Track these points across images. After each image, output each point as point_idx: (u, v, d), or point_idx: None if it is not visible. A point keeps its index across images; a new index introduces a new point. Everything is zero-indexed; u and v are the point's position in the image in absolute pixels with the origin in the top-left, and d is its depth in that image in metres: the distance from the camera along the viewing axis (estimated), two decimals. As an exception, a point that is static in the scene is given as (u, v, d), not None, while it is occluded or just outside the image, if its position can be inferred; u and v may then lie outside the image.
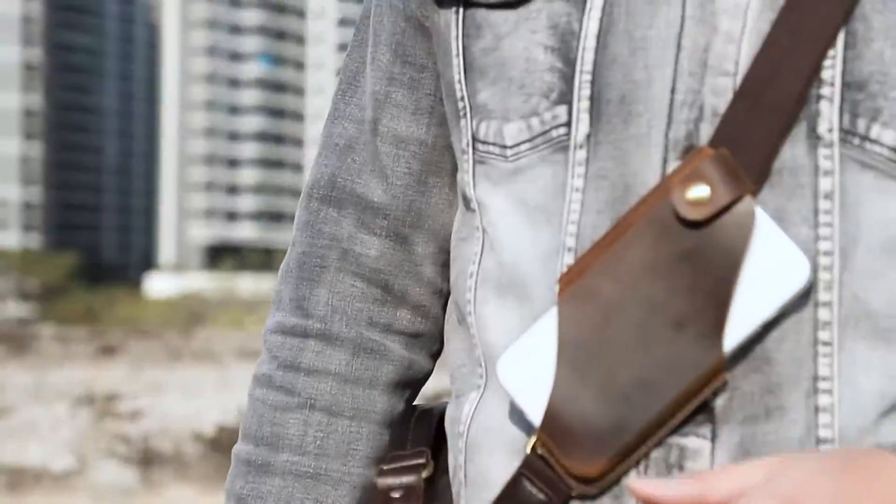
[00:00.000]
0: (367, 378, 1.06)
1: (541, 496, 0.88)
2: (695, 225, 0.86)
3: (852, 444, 0.86)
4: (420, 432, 1.05)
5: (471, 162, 0.97)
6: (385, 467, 1.03)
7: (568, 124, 0.91)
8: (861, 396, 0.87)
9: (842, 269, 0.88)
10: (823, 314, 0.87)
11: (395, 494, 0.99)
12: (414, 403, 1.11)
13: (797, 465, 0.80)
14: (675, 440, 0.86)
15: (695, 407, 0.85)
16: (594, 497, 0.87)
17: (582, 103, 0.91)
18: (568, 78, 0.92)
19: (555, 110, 0.92)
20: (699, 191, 0.86)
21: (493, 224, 0.96)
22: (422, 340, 1.08)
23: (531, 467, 0.89)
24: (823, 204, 0.87)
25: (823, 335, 0.87)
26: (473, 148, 0.97)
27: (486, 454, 0.94)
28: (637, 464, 0.87)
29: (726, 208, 0.86)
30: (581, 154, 0.91)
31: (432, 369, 1.09)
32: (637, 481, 0.81)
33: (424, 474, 1.00)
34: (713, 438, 0.86)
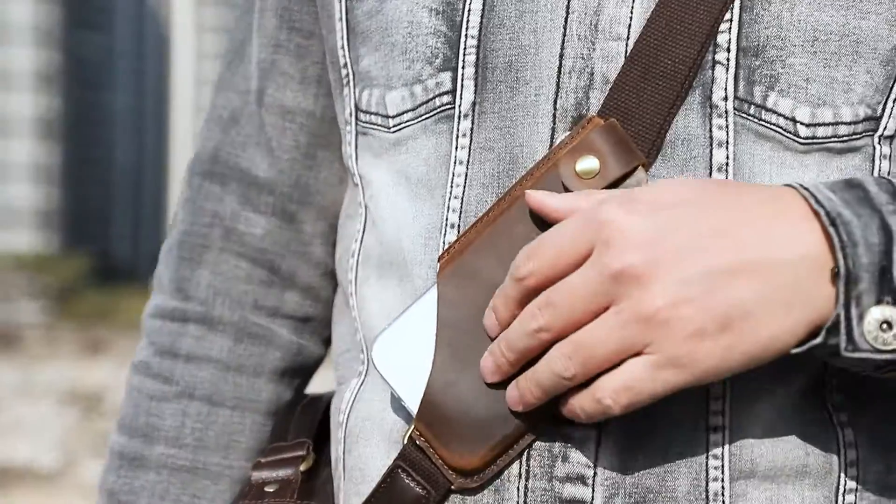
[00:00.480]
0: (252, 365, 1.00)
1: (418, 489, 0.82)
2: (581, 179, 0.80)
3: (742, 432, 0.81)
4: (303, 422, 0.98)
5: (353, 133, 0.91)
6: (262, 460, 0.96)
7: (452, 92, 0.85)
8: (753, 387, 0.81)
9: None
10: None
11: (269, 489, 0.92)
12: (305, 393, 1.04)
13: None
14: (560, 428, 0.80)
15: None
16: (475, 491, 0.81)
17: (467, 70, 0.85)
18: (453, 42, 0.85)
19: (439, 77, 0.86)
20: (588, 163, 0.80)
21: (374, 199, 0.90)
22: (312, 325, 1.02)
23: (408, 459, 0.83)
24: (717, 177, 0.81)
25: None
26: (356, 118, 0.91)
27: (364, 445, 0.88)
28: (521, 454, 0.81)
29: (617, 182, 0.80)
30: (465, 124, 0.84)
31: (324, 355, 1.03)
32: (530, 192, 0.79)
33: (302, 467, 0.93)
34: (599, 427, 0.80)
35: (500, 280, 0.80)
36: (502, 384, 0.80)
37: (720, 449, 0.80)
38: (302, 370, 1.03)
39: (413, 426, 0.82)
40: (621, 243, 0.73)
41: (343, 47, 0.91)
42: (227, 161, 1.00)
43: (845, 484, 0.82)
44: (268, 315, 1.00)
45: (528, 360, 0.77)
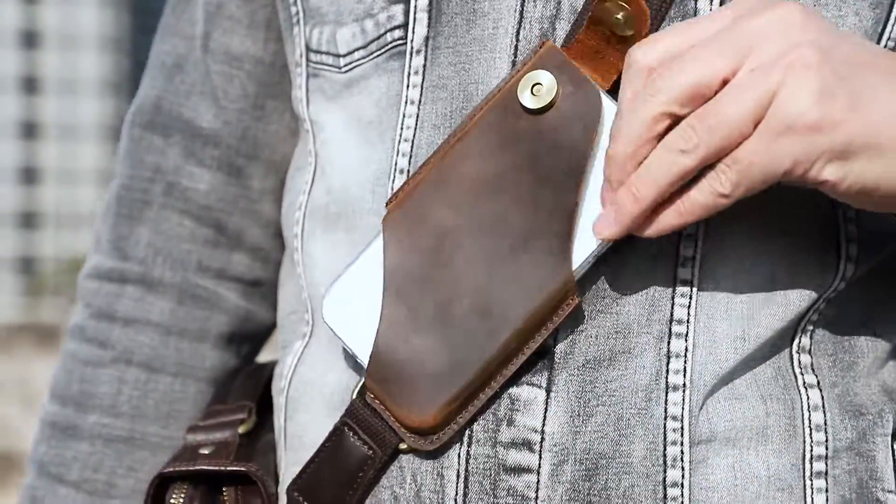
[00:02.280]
0: (195, 330, 0.93)
1: (364, 448, 0.75)
2: (536, 115, 0.73)
3: (705, 390, 0.74)
4: (247, 387, 0.91)
5: (304, 76, 0.84)
6: (199, 423, 0.89)
7: (404, 26, 0.78)
8: (719, 342, 0.74)
9: None
10: (685, 249, 0.74)
11: (204, 451, 0.84)
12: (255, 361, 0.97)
13: None
14: (506, 390, 0.73)
15: (543, 337, 0.73)
16: (431, 454, 0.74)
17: (420, 1, 0.78)
18: None
19: (390, 10, 0.79)
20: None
21: (325, 145, 0.83)
22: (262, 289, 0.95)
23: (356, 416, 0.75)
24: None
25: (683, 273, 0.74)
26: (307, 59, 0.84)
27: (304, 412, 0.81)
28: (482, 412, 0.74)
29: (572, 98, 0.72)
30: (418, 61, 0.78)
31: (276, 322, 0.95)
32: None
33: (241, 429, 0.85)
34: (549, 387, 0.73)
35: (450, 222, 0.73)
36: (459, 335, 0.73)
37: (679, 409, 0.73)
38: (251, 337, 0.95)
39: (363, 382, 0.75)
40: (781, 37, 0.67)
41: None
42: (169, 111, 0.93)
43: (812, 450, 0.75)
44: (213, 277, 0.93)
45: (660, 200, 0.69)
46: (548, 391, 0.73)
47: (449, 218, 0.74)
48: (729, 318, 0.74)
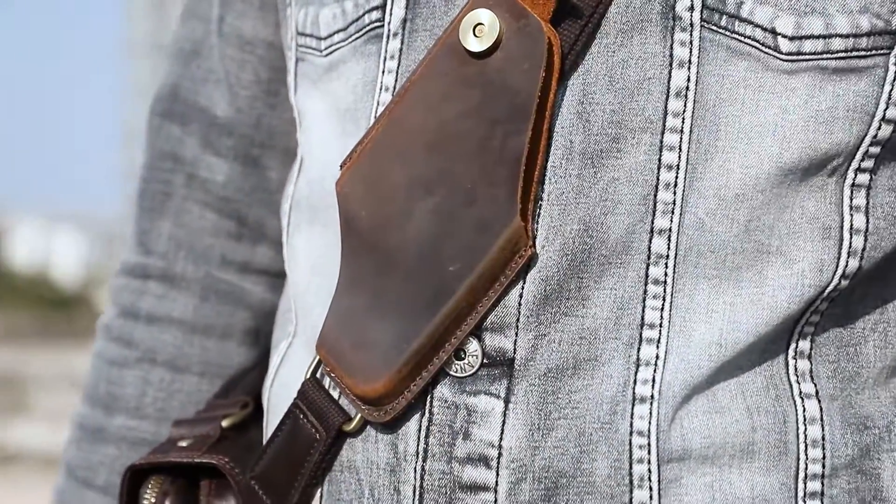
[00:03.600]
0: (220, 326, 0.89)
1: (311, 430, 0.71)
2: (482, 59, 0.67)
3: (675, 401, 0.66)
4: (256, 381, 0.86)
5: (293, 60, 0.79)
6: (188, 417, 0.85)
7: (382, 7, 0.72)
8: (694, 348, 0.66)
9: (687, 189, 0.66)
10: (658, 244, 0.66)
11: (182, 444, 0.80)
12: None
13: None
14: (463, 399, 0.68)
15: (497, 294, 0.67)
16: (387, 468, 0.69)
17: None
18: None
19: None
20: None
21: (306, 133, 0.78)
22: None
23: (305, 397, 0.72)
24: (674, 104, 0.66)
25: (655, 272, 0.66)
26: (296, 43, 0.79)
27: (277, 416, 0.76)
28: (424, 410, 0.68)
29: (516, 36, 0.66)
30: (394, 44, 0.72)
31: None
32: None
33: (225, 423, 0.81)
34: (507, 397, 0.67)
35: (400, 179, 0.68)
36: (409, 296, 0.68)
37: (646, 423, 0.66)
38: None
39: (315, 361, 0.72)
40: None
41: None
42: (186, 98, 0.89)
43: (807, 468, 0.67)
44: (237, 271, 0.89)
45: None
46: (506, 402, 0.67)
47: (398, 174, 0.69)
48: (709, 322, 0.66)
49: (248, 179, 0.88)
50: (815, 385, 0.68)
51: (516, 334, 0.67)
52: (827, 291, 0.67)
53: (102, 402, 0.89)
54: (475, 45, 0.67)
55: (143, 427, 0.88)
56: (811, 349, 0.68)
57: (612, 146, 0.66)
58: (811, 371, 0.68)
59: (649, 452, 0.66)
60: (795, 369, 0.68)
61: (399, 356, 0.68)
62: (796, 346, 0.68)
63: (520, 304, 0.67)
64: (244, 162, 0.88)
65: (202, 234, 0.88)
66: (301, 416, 0.72)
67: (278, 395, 0.77)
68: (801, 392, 0.68)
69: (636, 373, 0.66)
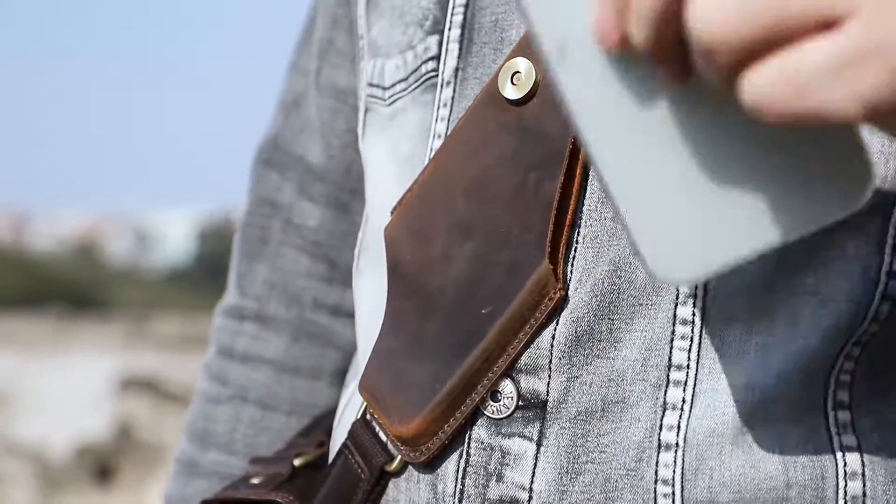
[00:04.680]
0: (310, 367, 0.92)
1: (357, 470, 0.73)
2: (519, 106, 0.69)
3: (701, 450, 0.65)
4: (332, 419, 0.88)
5: (363, 110, 0.82)
6: (265, 455, 0.88)
7: (437, 58, 0.75)
8: (723, 393, 0.65)
9: None
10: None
11: (254, 480, 0.83)
12: None
13: None
14: (498, 441, 0.68)
15: (527, 336, 0.67)
16: (422, 468, 0.70)
17: (452, 31, 0.75)
18: (443, 2, 0.75)
19: (427, 41, 0.76)
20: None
21: (370, 180, 0.80)
22: None
23: (353, 437, 0.74)
24: None
25: (683, 311, 0.66)
26: (366, 94, 0.82)
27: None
28: (462, 451, 0.69)
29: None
30: (447, 93, 0.74)
31: None
32: None
33: (297, 462, 0.83)
34: (539, 440, 0.67)
35: (442, 225, 0.70)
36: (443, 338, 0.69)
37: (671, 471, 0.65)
38: None
39: (364, 402, 0.74)
40: None
41: (362, 16, 0.83)
42: (285, 147, 0.93)
43: None
44: (329, 314, 0.92)
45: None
46: (538, 444, 0.67)
47: (441, 219, 0.71)
48: (741, 364, 0.65)
49: (339, 224, 0.91)
50: (858, 437, 0.66)
51: (549, 376, 0.67)
52: (858, 335, 0.65)
53: (198, 437, 0.93)
54: (512, 92, 0.69)
55: (233, 462, 0.91)
56: (851, 399, 0.66)
57: None
58: (852, 422, 0.66)
59: (674, 502, 0.65)
60: (836, 420, 0.66)
61: (432, 397, 0.69)
62: (835, 396, 0.66)
63: (552, 346, 0.67)
64: (335, 207, 0.91)
65: (296, 277, 0.92)
66: (349, 457, 0.74)
67: (340, 435, 0.79)
68: (841, 445, 0.65)
69: (662, 417, 0.65)
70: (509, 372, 0.68)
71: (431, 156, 0.72)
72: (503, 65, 0.70)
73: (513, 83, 0.69)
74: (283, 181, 0.92)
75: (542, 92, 0.68)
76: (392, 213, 0.74)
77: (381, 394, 0.72)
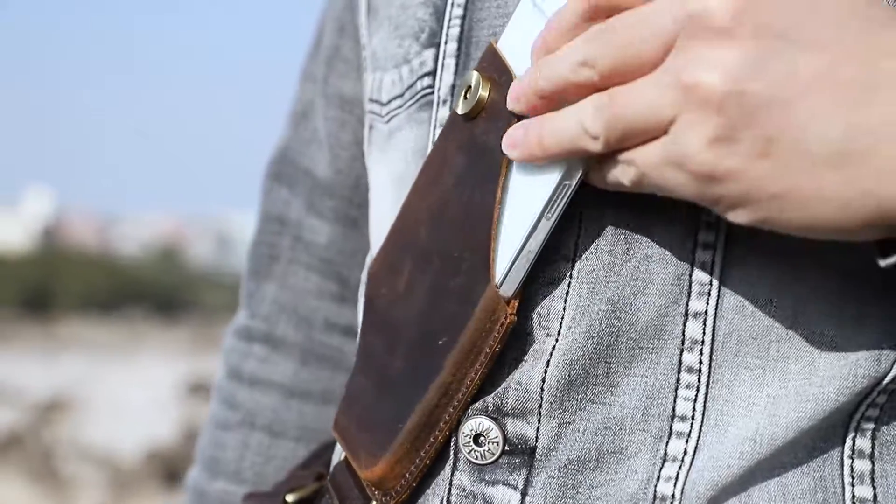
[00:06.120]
0: (318, 392, 0.88)
1: None
2: (470, 121, 0.63)
3: (700, 503, 0.60)
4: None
5: (367, 126, 0.77)
6: (258, 490, 0.82)
7: (433, 73, 0.70)
8: (727, 444, 0.60)
9: (726, 264, 0.60)
10: (693, 329, 0.60)
11: None
12: None
13: None
14: (481, 489, 0.62)
15: (484, 366, 0.61)
16: None
17: (449, 45, 0.69)
18: (440, 13, 0.70)
19: (423, 55, 0.71)
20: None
21: (372, 203, 0.76)
22: None
23: (334, 479, 0.69)
24: None
25: (689, 359, 0.60)
26: (367, 109, 0.77)
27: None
28: (443, 497, 0.63)
29: (496, 94, 0.62)
30: (444, 112, 0.68)
31: None
32: None
33: (289, 498, 0.77)
34: (525, 489, 0.61)
35: (409, 255, 0.65)
36: (402, 377, 0.64)
37: None
38: None
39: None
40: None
41: (363, 25, 0.79)
42: (293, 160, 0.89)
43: None
44: (341, 333, 0.88)
45: (548, 107, 0.58)
46: (523, 494, 0.61)
47: (410, 249, 0.66)
48: (748, 417, 0.59)
49: (349, 241, 0.87)
50: (875, 489, 0.60)
51: (539, 421, 0.61)
52: (885, 383, 0.60)
53: (207, 464, 0.89)
54: (462, 107, 0.63)
55: (240, 492, 0.87)
56: (873, 448, 0.60)
57: (646, 222, 0.60)
58: (872, 472, 0.60)
59: None
60: (852, 470, 0.60)
61: (394, 437, 0.63)
62: (853, 445, 0.60)
63: (542, 389, 0.61)
64: (344, 223, 0.87)
65: (306, 297, 0.88)
66: (329, 499, 0.69)
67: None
68: (853, 496, 0.60)
69: (661, 469, 0.60)
70: (495, 415, 0.62)
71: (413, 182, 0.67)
72: (462, 83, 0.64)
73: (465, 98, 0.63)
74: (291, 196, 0.88)
75: (489, 104, 0.62)
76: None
77: (350, 435, 0.67)
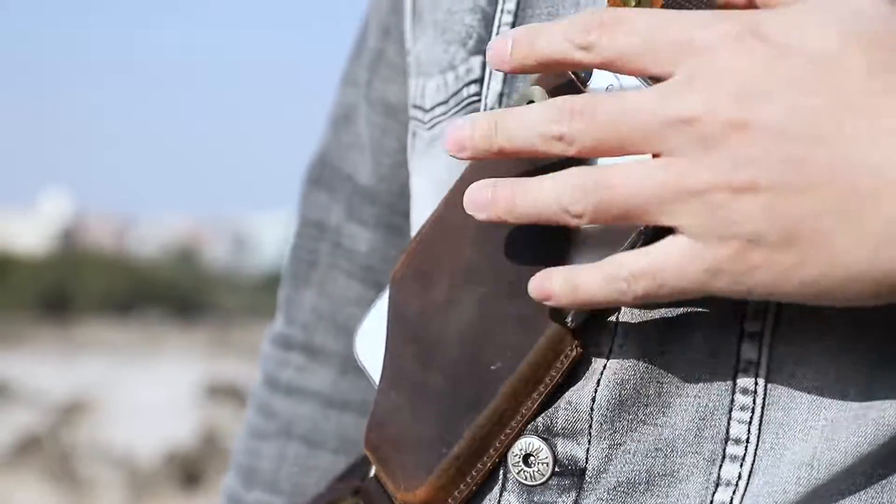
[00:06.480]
0: (358, 402, 0.85)
1: None
2: None
3: None
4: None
5: (410, 133, 0.76)
6: (302, 502, 0.82)
7: (481, 81, 0.68)
8: (784, 469, 0.58)
9: None
10: (748, 350, 0.58)
11: None
12: None
13: None
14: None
15: (542, 395, 0.59)
16: None
17: None
18: (489, 20, 0.68)
19: (469, 62, 0.69)
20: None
21: (414, 210, 0.75)
22: None
23: (367, 496, 0.66)
24: None
25: (744, 380, 0.58)
26: (410, 115, 0.76)
27: None
28: (479, 485, 0.61)
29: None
30: None
31: None
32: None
33: None
34: None
35: (449, 267, 0.63)
36: (448, 396, 0.61)
37: None
38: None
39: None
40: (710, 83, 0.52)
41: (408, 29, 0.77)
42: (333, 165, 0.87)
43: None
44: None
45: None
46: None
47: (449, 261, 0.63)
48: (805, 441, 0.57)
49: (391, 248, 0.85)
50: None
51: (589, 442, 0.59)
52: None
53: (243, 473, 0.87)
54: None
55: (277, 502, 0.85)
56: None
57: None
58: None
59: None
60: None
61: (439, 461, 0.61)
62: None
63: (592, 409, 0.59)
64: (387, 230, 0.85)
65: (345, 305, 0.86)
66: None
67: None
68: None
69: (714, 493, 0.58)
70: (545, 435, 0.60)
71: (448, 190, 0.65)
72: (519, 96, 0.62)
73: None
74: (331, 202, 0.87)
75: None
76: (403, 252, 0.68)
77: (384, 454, 0.64)
